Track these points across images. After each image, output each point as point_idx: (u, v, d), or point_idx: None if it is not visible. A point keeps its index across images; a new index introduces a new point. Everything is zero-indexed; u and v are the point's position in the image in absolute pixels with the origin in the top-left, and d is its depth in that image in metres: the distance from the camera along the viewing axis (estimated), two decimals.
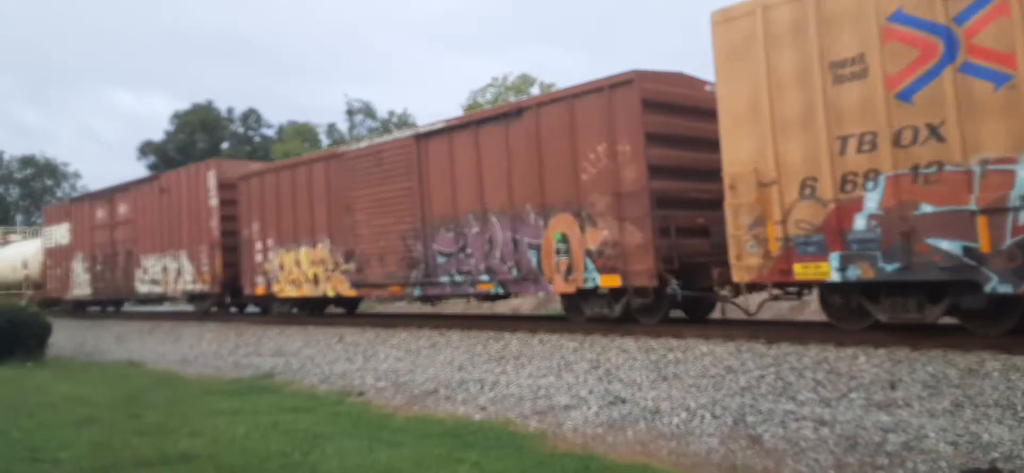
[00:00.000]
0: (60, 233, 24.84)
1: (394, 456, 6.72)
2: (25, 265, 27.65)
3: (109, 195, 22.29)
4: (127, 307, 25.18)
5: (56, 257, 25.13)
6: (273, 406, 9.47)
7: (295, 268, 15.62)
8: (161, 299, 20.79)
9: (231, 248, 17.70)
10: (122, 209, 21.57)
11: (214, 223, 17.80)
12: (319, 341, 13.77)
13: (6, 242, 33.30)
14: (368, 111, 52.79)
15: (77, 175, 67.49)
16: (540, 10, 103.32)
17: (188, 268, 18.64)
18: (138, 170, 56.54)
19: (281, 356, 13.47)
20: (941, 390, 6.75)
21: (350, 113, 52.66)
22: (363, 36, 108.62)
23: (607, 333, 10.57)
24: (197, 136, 54.89)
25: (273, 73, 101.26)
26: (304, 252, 15.43)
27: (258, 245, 16.66)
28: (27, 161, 65.37)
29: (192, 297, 19.14)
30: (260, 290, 16.70)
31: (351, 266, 14.26)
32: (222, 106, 58.20)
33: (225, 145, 56.34)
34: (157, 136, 57.83)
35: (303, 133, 49.93)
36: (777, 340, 8.83)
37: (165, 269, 19.54)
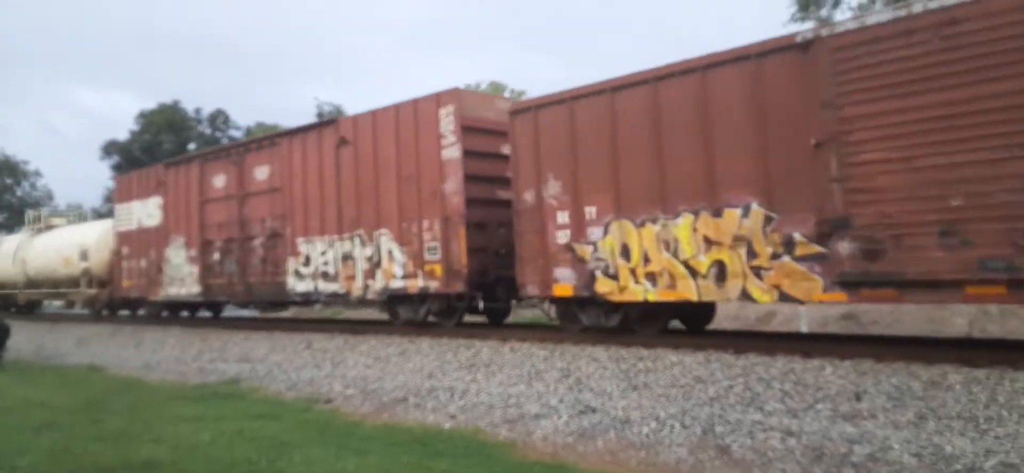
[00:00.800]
0: (145, 211, 18.84)
1: (362, 464, 6.65)
2: (84, 256, 21.12)
3: (237, 154, 16.48)
4: (224, 311, 19.70)
5: (137, 244, 19.14)
6: (239, 413, 9.32)
7: (660, 252, 9.64)
8: (336, 301, 14.47)
9: (483, 225, 12.25)
10: (260, 173, 15.64)
11: (453, 185, 11.97)
12: (286, 347, 13.60)
13: (47, 227, 26.10)
14: (338, 113, 52.53)
15: (37, 173, 66.06)
16: (506, 15, 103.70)
17: (397, 255, 12.78)
18: (102, 170, 55.54)
19: (247, 362, 13.26)
20: (905, 402, 6.87)
21: (320, 115, 52.34)
22: (332, 37, 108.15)
23: (578, 342, 10.58)
24: (163, 136, 54.05)
25: (241, 73, 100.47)
26: (684, 225, 9.42)
27: (560, 217, 10.67)
28: None
29: (400, 299, 13.18)
30: (564, 289, 10.69)
31: (841, 247, 8.05)
32: (189, 106, 57.43)
33: (192, 146, 55.53)
34: (122, 135, 56.91)
35: (272, 134, 49.42)
36: (745, 351, 8.93)
37: (347, 258, 13.67)
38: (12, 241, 26.36)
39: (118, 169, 55.36)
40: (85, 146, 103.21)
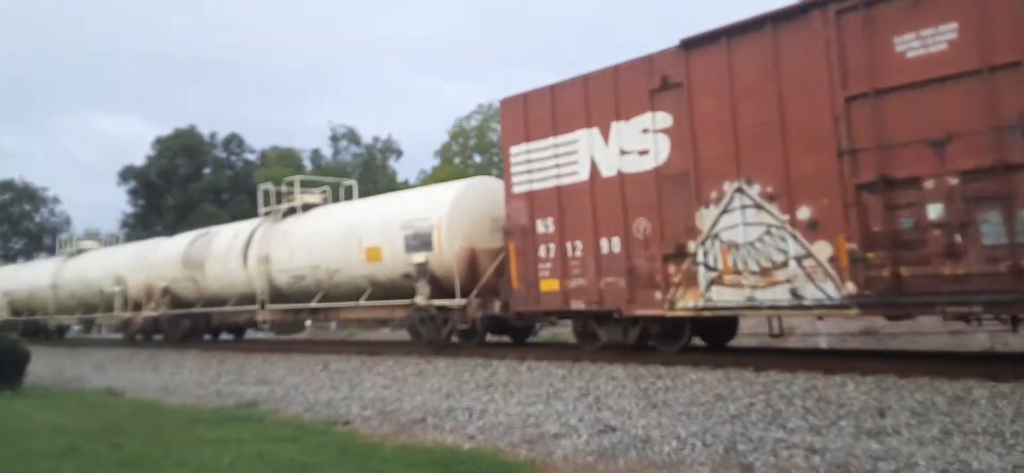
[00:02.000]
0: (610, 149, 10.23)
1: None
2: (421, 242, 12.73)
3: None
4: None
5: (583, 212, 10.58)
6: (258, 436, 9.33)
7: None
8: None
9: None
10: None
11: None
12: (303, 369, 13.63)
13: (304, 207, 16.66)
14: (352, 136, 52.85)
15: (56, 200, 66.75)
16: (519, 35, 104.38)
17: None
18: (119, 195, 56.09)
19: (265, 384, 13.30)
20: (930, 418, 6.79)
21: (334, 139, 52.73)
22: (343, 61, 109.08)
23: (595, 360, 10.55)
24: (179, 161, 54.59)
25: (253, 98, 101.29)
26: None
27: None
28: (6, 186, 64.56)
29: None
30: None
31: None
32: (204, 131, 57.99)
33: (207, 170, 56.04)
34: (137, 160, 57.48)
35: (286, 158, 49.82)
36: (765, 367, 8.86)
37: None
38: (234, 232, 17.54)
39: (135, 195, 55.93)
40: (101, 172, 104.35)
